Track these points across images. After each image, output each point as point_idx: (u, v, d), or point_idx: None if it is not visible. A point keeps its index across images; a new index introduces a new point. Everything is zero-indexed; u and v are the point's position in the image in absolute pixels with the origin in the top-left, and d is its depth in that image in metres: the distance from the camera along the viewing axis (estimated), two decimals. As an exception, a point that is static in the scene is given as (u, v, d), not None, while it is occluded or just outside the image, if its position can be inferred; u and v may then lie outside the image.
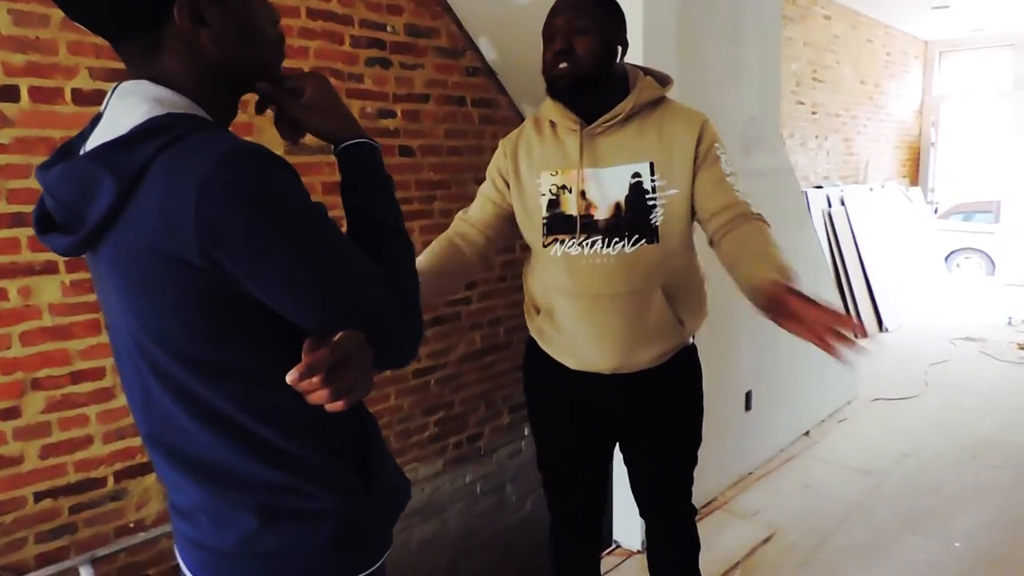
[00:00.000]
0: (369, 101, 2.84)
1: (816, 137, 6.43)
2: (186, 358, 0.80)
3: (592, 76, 1.48)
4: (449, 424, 3.31)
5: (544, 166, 1.58)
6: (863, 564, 2.53)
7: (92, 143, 0.79)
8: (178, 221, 0.71)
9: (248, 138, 0.77)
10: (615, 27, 1.52)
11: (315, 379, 0.75)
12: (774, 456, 3.40)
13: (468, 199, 3.19)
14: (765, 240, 1.45)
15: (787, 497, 3.02)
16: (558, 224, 1.57)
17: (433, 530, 3.24)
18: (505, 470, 3.59)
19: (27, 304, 2.08)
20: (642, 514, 1.86)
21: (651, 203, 1.53)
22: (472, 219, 1.70)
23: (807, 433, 3.66)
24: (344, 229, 0.89)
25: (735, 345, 2.99)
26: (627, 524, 2.67)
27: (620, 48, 1.53)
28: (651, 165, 1.53)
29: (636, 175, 1.52)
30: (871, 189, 6.60)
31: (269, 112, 0.97)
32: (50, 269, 2.11)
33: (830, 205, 5.80)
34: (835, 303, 1.22)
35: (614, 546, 2.70)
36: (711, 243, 1.56)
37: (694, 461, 1.80)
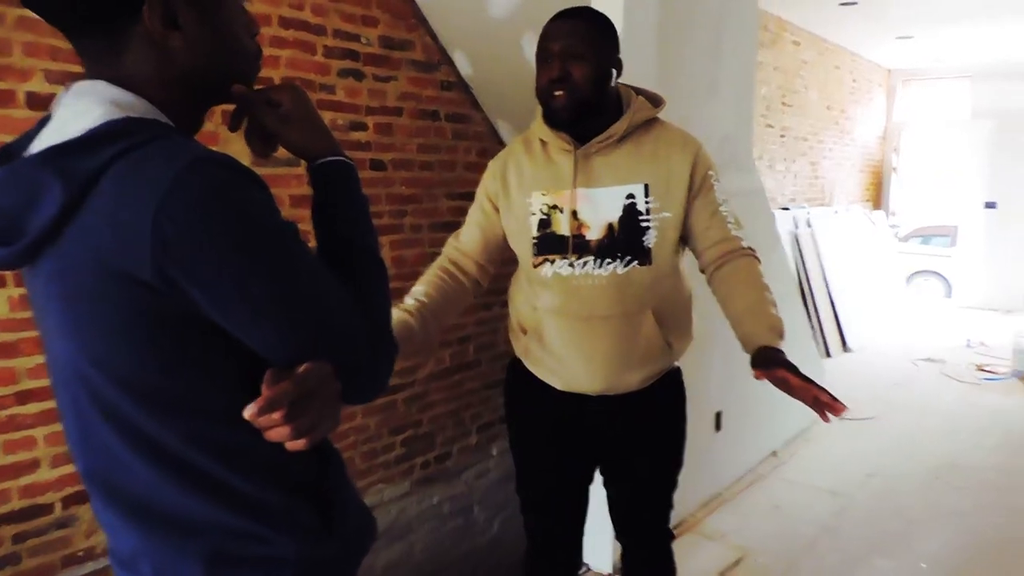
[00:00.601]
0: (341, 113, 2.78)
1: (784, 160, 6.53)
2: (132, 387, 0.72)
3: (589, 102, 1.46)
4: (416, 444, 3.24)
5: (535, 186, 1.56)
6: (833, 588, 2.52)
7: (39, 146, 0.71)
8: (132, 235, 0.65)
9: (213, 148, 0.72)
10: (609, 49, 1.50)
11: (275, 415, 0.69)
12: (742, 476, 3.39)
13: (439, 214, 3.17)
14: (758, 285, 1.54)
15: (756, 519, 3.00)
16: (549, 244, 1.55)
17: (399, 553, 3.16)
18: (473, 491, 3.52)
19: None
20: (619, 537, 1.84)
21: (644, 224, 1.52)
22: (464, 247, 1.67)
23: (775, 453, 3.67)
24: (313, 248, 0.83)
25: (706, 366, 2.98)
26: (598, 547, 2.62)
27: (615, 71, 1.52)
28: (646, 187, 1.51)
29: (630, 196, 1.51)
30: (836, 212, 6.72)
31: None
32: (-1, 280, 2.01)
33: (797, 227, 5.88)
34: (819, 380, 1.40)
35: (585, 569, 2.65)
36: (702, 271, 1.59)
37: (675, 484, 1.79)
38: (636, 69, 2.35)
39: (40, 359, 2.10)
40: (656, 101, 1.59)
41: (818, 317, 5.74)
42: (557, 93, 1.45)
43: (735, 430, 3.26)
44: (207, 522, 0.75)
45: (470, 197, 3.44)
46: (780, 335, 1.45)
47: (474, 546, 3.51)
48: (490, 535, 3.59)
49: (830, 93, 7.28)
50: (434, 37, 3.08)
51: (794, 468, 3.52)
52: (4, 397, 2.03)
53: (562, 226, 1.54)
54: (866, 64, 8.13)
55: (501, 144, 3.32)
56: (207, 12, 0.75)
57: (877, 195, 8.88)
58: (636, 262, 1.52)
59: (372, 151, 2.90)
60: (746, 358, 3.47)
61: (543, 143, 1.58)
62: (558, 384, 1.63)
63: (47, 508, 2.15)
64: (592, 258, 1.53)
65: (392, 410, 3.11)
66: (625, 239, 1.52)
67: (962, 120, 8.37)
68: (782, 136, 6.45)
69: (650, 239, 1.52)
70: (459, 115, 3.23)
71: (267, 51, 2.52)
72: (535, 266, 1.57)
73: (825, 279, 5.94)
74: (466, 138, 3.27)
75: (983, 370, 5.20)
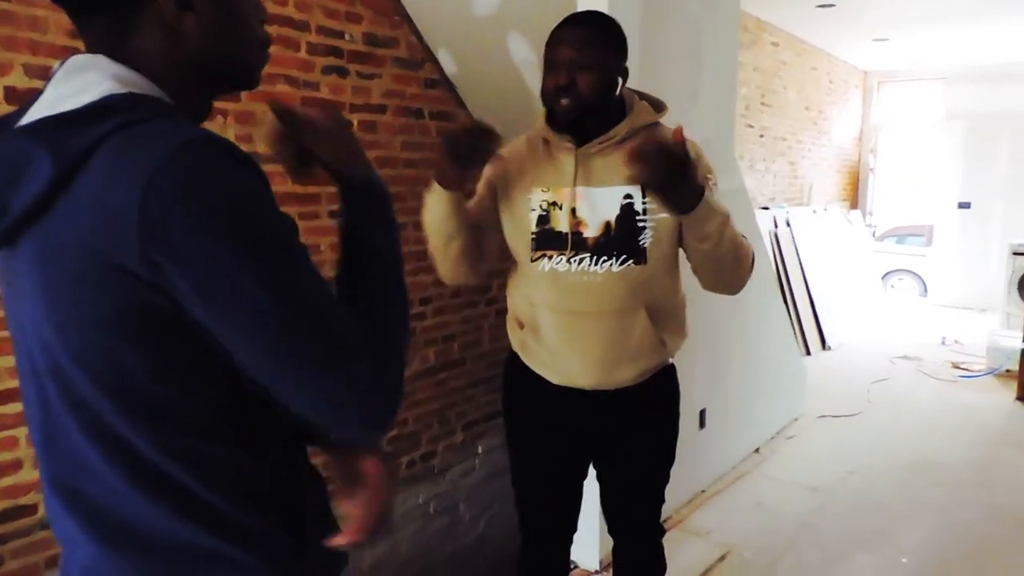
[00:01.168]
0: (325, 110, 2.76)
1: (764, 160, 6.59)
2: (107, 385, 0.66)
3: (592, 110, 1.49)
4: (402, 443, 3.23)
5: (536, 183, 1.57)
6: (815, 583, 2.55)
7: (30, 118, 0.67)
8: (118, 216, 0.60)
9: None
10: (618, 58, 1.52)
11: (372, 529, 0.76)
12: (726, 473, 3.42)
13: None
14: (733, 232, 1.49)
15: (740, 515, 3.03)
16: (547, 240, 1.57)
17: (385, 551, 3.14)
18: (458, 489, 3.52)
19: None
20: (611, 531, 1.85)
21: (641, 225, 1.53)
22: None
23: (757, 450, 3.70)
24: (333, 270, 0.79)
25: (690, 364, 3.00)
26: (585, 544, 2.63)
27: (621, 79, 1.54)
28: (643, 188, 1.52)
29: (628, 196, 1.52)
30: (814, 211, 6.80)
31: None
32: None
33: (776, 226, 5.94)
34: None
35: (573, 566, 2.66)
36: (694, 271, 1.60)
37: (666, 479, 1.81)
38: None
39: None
40: (658, 107, 1.62)
41: (798, 315, 5.80)
42: (563, 101, 1.47)
43: (719, 428, 3.29)
44: (175, 539, 0.70)
45: (456, 195, 3.40)
46: (716, 209, 1.41)
47: (460, 544, 3.50)
48: (476, 533, 3.59)
49: (808, 94, 7.37)
50: (418, 35, 3.07)
51: (776, 465, 3.56)
52: (-17, 397, 2.00)
53: (561, 223, 1.55)
54: (843, 65, 8.24)
55: (486, 142, 3.32)
56: None
57: (854, 195, 9.00)
58: (631, 261, 1.53)
59: (357, 149, 2.89)
60: (730, 357, 3.47)
61: (546, 141, 1.59)
62: (553, 378, 1.64)
63: (30, 509, 2.11)
64: (589, 255, 1.54)
65: (377, 409, 3.10)
66: (621, 238, 1.53)
67: (937, 121, 8.51)
68: (761, 136, 6.51)
69: (646, 239, 1.53)
70: (443, 113, 3.23)
71: (251, 47, 2.50)
72: (532, 261, 1.58)
73: (804, 278, 6.01)
74: (451, 136, 3.27)
75: (958, 368, 5.30)
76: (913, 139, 9.14)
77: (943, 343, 6.06)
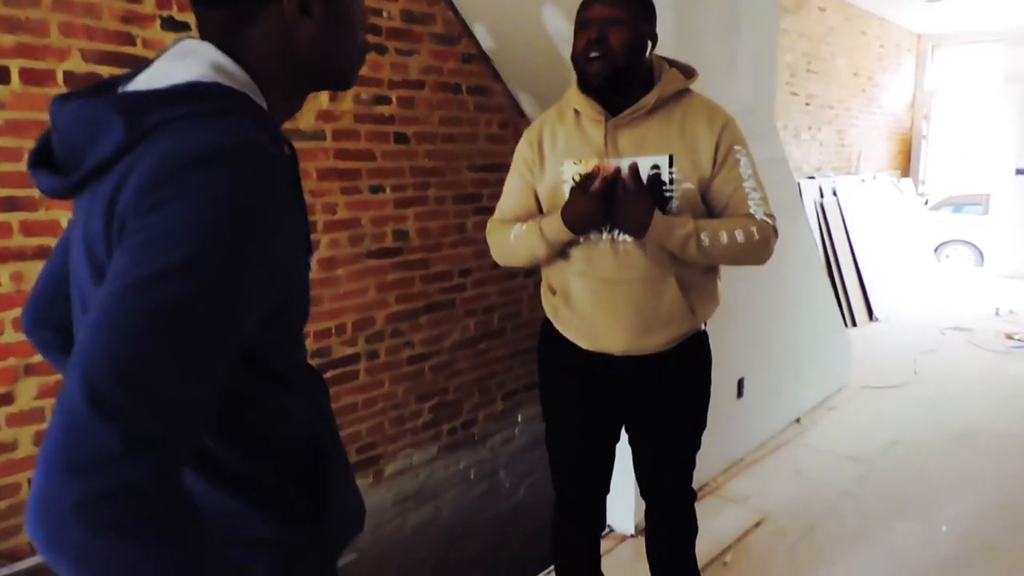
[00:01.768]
0: (364, 88, 2.82)
1: (809, 128, 6.45)
2: None
3: (623, 69, 1.51)
4: (443, 411, 3.32)
5: (567, 154, 1.61)
6: (852, 549, 2.56)
7: (131, 87, 0.72)
8: (136, 189, 0.63)
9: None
10: (647, 20, 1.55)
11: None
12: (765, 443, 3.43)
13: (462, 186, 3.22)
14: (739, 223, 1.55)
15: (777, 483, 3.05)
16: None
17: (427, 515, 3.26)
18: (498, 457, 3.61)
19: (19, 289, 2.07)
20: (643, 495, 1.90)
21: (668, 194, 1.56)
22: (519, 212, 1.70)
23: (798, 420, 3.70)
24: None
25: (728, 333, 3.00)
26: (621, 508, 2.69)
27: (650, 42, 1.56)
28: (671, 158, 1.55)
29: (655, 167, 1.56)
30: (863, 180, 6.64)
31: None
32: (42, 254, 2.10)
33: (822, 196, 5.83)
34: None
35: (608, 530, 2.72)
36: None
37: (697, 445, 1.84)
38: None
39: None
40: (688, 73, 1.64)
41: (844, 286, 5.71)
42: (593, 55, 1.50)
43: (758, 397, 3.30)
44: (200, 499, 0.72)
45: (492, 168, 3.48)
46: (673, 230, 1.51)
47: (500, 510, 3.60)
48: (515, 500, 3.68)
49: (857, 60, 7.16)
50: (455, 10, 3.10)
51: (817, 435, 3.55)
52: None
53: None
54: (895, 29, 7.96)
55: (522, 115, 3.34)
56: (335, 4, 0.78)
57: (906, 163, 8.74)
58: None
59: (395, 124, 2.95)
60: (769, 326, 3.47)
61: (576, 113, 1.63)
62: (584, 343, 1.68)
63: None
64: None
65: (419, 377, 3.19)
66: None
67: (994, 85, 8.17)
68: (807, 104, 6.37)
69: (672, 209, 1.56)
70: (480, 87, 3.26)
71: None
72: None
73: (851, 249, 5.89)
74: (488, 110, 3.30)
75: (1011, 338, 5.15)
76: (969, 104, 8.79)
77: (997, 314, 5.90)
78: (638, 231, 1.51)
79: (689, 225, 1.51)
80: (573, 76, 1.63)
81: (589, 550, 1.95)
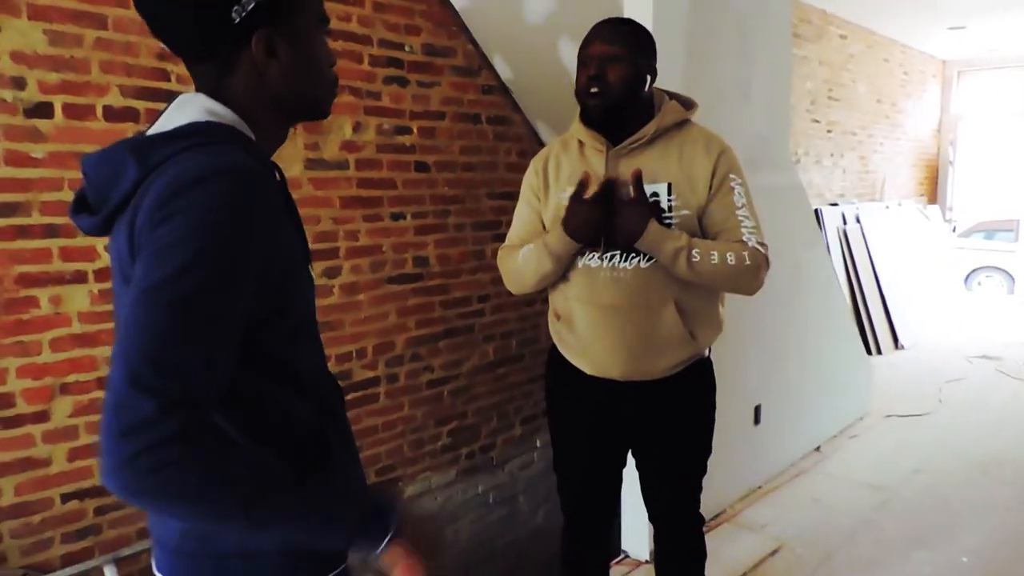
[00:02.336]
0: (386, 118, 2.93)
1: (831, 155, 6.45)
2: None
3: (622, 103, 1.58)
4: (462, 435, 3.37)
5: (570, 182, 1.68)
6: (870, 578, 2.54)
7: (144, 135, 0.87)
8: (149, 212, 0.76)
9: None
10: (646, 56, 1.62)
11: None
12: (784, 471, 3.41)
13: (481, 214, 3.29)
14: (732, 248, 1.58)
15: (795, 511, 3.03)
16: None
17: (447, 538, 3.29)
18: (517, 481, 3.64)
19: (57, 312, 2.18)
20: (651, 519, 1.92)
21: (667, 222, 1.61)
22: (528, 239, 1.75)
23: (818, 448, 3.67)
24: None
25: (744, 359, 3.02)
26: (636, 534, 2.70)
27: (649, 77, 1.63)
28: (669, 186, 1.61)
29: (654, 195, 1.61)
30: (887, 207, 6.60)
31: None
32: (80, 279, 2.21)
33: (845, 223, 5.81)
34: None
35: (623, 556, 2.73)
36: None
37: (703, 470, 1.86)
38: (664, 73, 2.42)
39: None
40: (688, 104, 1.70)
41: (868, 313, 5.66)
42: (593, 90, 1.57)
43: (775, 424, 3.29)
44: None
45: (511, 196, 3.57)
46: (666, 241, 1.55)
47: (518, 535, 3.62)
48: (534, 525, 3.69)
49: (880, 86, 7.15)
50: (475, 43, 3.21)
51: (837, 463, 3.52)
52: (86, 382, 2.24)
53: None
54: (918, 56, 7.95)
55: (541, 144, 3.42)
56: (298, 45, 0.90)
57: (932, 189, 8.66)
58: None
59: (417, 154, 3.05)
60: (787, 353, 3.47)
61: (580, 144, 1.70)
62: (587, 368, 1.72)
63: (123, 485, 2.34)
64: (618, 252, 1.63)
65: (438, 402, 3.25)
66: None
67: (1022, 110, 8.09)
68: (829, 131, 6.37)
69: None
70: (500, 117, 3.35)
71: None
72: None
73: (876, 276, 5.85)
74: (507, 139, 3.39)
75: (1042, 367, 5.06)
76: (997, 129, 8.71)
77: (1027, 342, 5.79)
78: (632, 236, 1.55)
79: (682, 239, 1.55)
80: (578, 109, 1.70)
81: (599, 574, 1.97)
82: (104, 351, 2.26)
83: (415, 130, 3.03)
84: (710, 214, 1.62)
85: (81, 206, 0.87)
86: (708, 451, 1.84)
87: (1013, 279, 8.12)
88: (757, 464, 3.25)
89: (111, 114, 2.21)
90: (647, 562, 2.67)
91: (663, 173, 1.62)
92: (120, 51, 2.22)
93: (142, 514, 2.39)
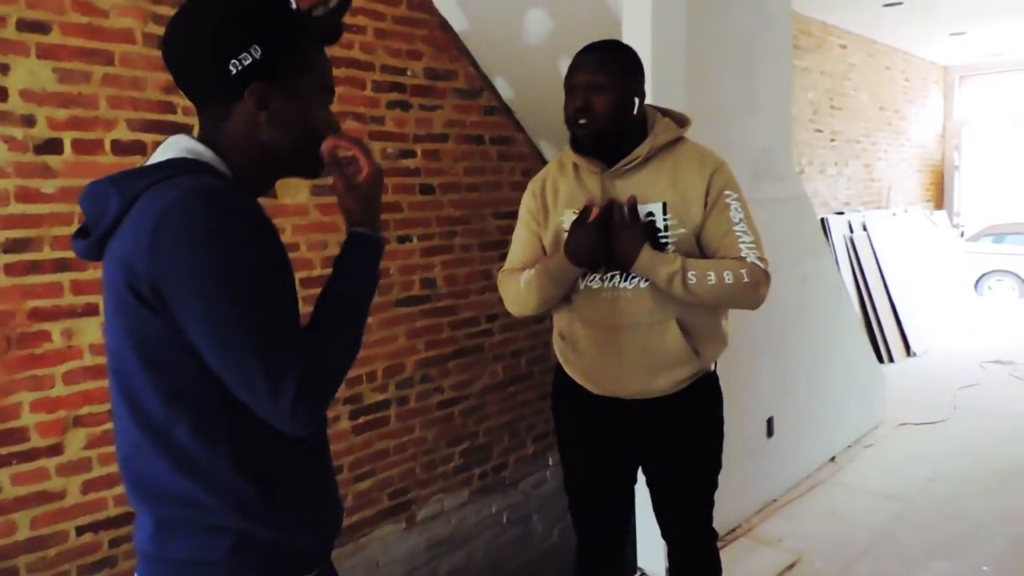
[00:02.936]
0: (390, 142, 2.95)
1: (835, 164, 6.45)
2: (135, 384, 0.89)
3: (610, 131, 1.58)
4: (474, 455, 3.36)
5: (568, 204, 1.68)
6: (890, 590, 2.51)
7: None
8: (139, 245, 0.84)
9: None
10: (632, 81, 1.61)
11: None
12: (799, 483, 3.39)
13: (487, 233, 3.31)
14: (729, 265, 1.57)
15: (812, 523, 3.00)
16: None
17: (461, 560, 3.27)
18: (531, 500, 3.62)
19: (69, 345, 2.20)
20: (664, 536, 1.91)
21: (663, 240, 1.62)
22: (528, 262, 1.75)
23: (833, 459, 3.64)
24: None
25: (754, 371, 3.01)
26: (652, 551, 2.68)
27: (637, 99, 1.63)
28: (664, 205, 1.61)
29: (650, 214, 1.62)
30: (894, 214, 6.58)
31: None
32: (90, 312, 2.23)
33: (851, 231, 5.80)
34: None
35: (639, 573, 2.71)
36: None
37: (714, 486, 1.85)
38: (665, 89, 2.44)
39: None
40: (681, 121, 1.69)
41: (879, 322, 5.63)
42: (581, 122, 1.58)
43: (789, 436, 3.27)
44: (173, 489, 0.90)
45: (516, 216, 3.58)
46: (660, 265, 1.56)
47: (533, 555, 3.59)
48: (548, 543, 3.67)
49: (882, 94, 7.17)
50: (475, 65, 3.24)
51: (853, 474, 3.49)
52: (99, 414, 2.25)
53: None
54: (919, 62, 7.96)
55: (544, 162, 3.44)
56: (295, 103, 0.96)
57: (938, 195, 8.64)
58: None
59: (421, 176, 3.07)
60: (798, 365, 3.45)
61: (575, 166, 1.70)
62: (592, 388, 1.73)
63: (137, 516, 2.35)
64: (618, 272, 1.63)
65: (449, 422, 3.25)
66: None
67: (1026, 113, 8.09)
68: (832, 140, 6.38)
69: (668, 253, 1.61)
70: (503, 138, 3.38)
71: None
72: None
73: (884, 283, 5.82)
74: (510, 159, 3.41)
75: (1057, 370, 5.02)
76: (1002, 133, 8.70)
77: (1041, 346, 5.74)
78: (626, 261, 1.56)
79: (676, 263, 1.55)
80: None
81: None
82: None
83: (419, 153, 3.06)
84: (707, 231, 1.62)
85: (81, 234, 0.95)
86: (718, 466, 1.83)
87: (1024, 282, 8.07)
88: (772, 477, 3.23)
89: (119, 148, 2.25)
90: (663, 580, 2.65)
91: (658, 193, 1.62)
92: (127, 86, 2.25)
93: (157, 544, 2.39)
